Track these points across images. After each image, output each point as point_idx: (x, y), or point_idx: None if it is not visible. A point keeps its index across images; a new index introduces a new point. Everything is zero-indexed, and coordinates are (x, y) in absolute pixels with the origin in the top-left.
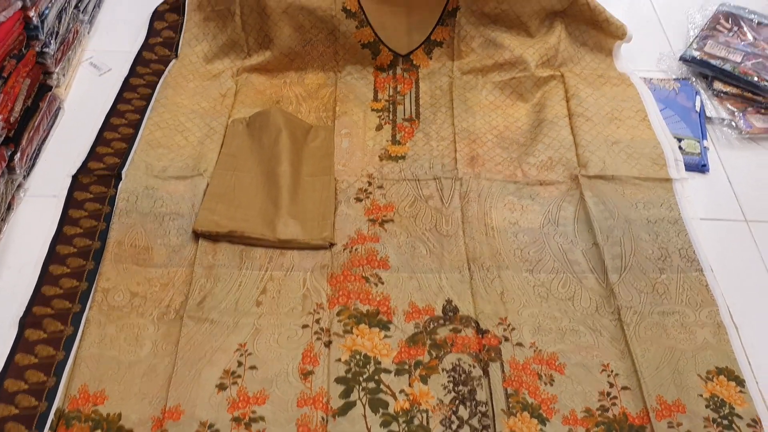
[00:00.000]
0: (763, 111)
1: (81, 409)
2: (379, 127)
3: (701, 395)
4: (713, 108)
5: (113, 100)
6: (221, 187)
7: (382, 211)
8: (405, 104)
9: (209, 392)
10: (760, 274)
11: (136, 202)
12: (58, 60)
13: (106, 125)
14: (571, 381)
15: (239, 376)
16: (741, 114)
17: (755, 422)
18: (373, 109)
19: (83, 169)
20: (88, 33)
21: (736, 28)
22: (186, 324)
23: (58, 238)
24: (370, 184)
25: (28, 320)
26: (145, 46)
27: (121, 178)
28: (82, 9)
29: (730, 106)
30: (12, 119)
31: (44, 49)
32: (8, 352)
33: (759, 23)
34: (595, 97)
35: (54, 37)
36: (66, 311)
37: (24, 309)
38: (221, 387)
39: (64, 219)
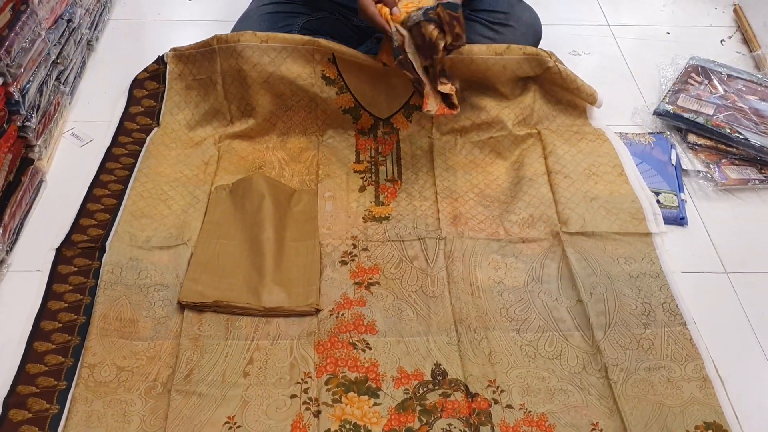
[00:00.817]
0: (737, 162)
1: None
2: (362, 189)
3: None
4: (689, 161)
5: (96, 171)
6: (205, 256)
7: (368, 274)
8: (387, 165)
9: None
10: (742, 325)
11: (121, 273)
12: (39, 133)
13: (89, 197)
14: None
15: None
16: (716, 166)
17: None
18: (355, 171)
19: (67, 241)
20: (69, 104)
21: (706, 82)
22: (174, 398)
23: (42, 313)
24: (354, 246)
25: (11, 400)
26: (126, 116)
27: (105, 250)
28: (63, 80)
29: (704, 159)
30: None
31: (26, 123)
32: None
33: (729, 76)
34: (572, 153)
35: (35, 110)
36: (52, 389)
37: (8, 389)
38: None
39: (48, 294)
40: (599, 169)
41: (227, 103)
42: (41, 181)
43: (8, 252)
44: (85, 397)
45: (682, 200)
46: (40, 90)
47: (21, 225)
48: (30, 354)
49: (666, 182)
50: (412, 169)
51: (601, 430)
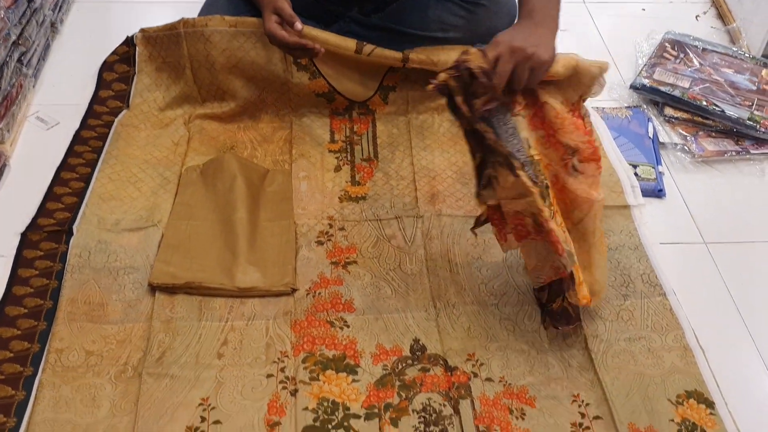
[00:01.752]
0: (713, 134)
1: None
2: (337, 168)
3: (673, 420)
4: (666, 134)
5: (64, 155)
6: (176, 238)
7: (345, 253)
8: (363, 144)
9: None
10: (722, 295)
11: (89, 257)
12: (1, 116)
13: (56, 180)
14: (543, 414)
15: None
16: (693, 138)
17: None
18: (330, 151)
19: (32, 226)
20: (33, 87)
21: (682, 55)
22: (145, 381)
23: (8, 299)
24: (331, 226)
25: None
26: (96, 99)
27: (72, 234)
28: (25, 63)
29: (681, 131)
30: None
31: None
32: None
33: (704, 49)
34: None
35: None
36: (17, 375)
37: None
38: None
39: (14, 279)
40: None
41: (197, 87)
42: (4, 165)
43: None
44: (52, 383)
45: (660, 172)
46: (0, 71)
47: None
48: None
49: (643, 155)
50: (389, 148)
51: (583, 401)
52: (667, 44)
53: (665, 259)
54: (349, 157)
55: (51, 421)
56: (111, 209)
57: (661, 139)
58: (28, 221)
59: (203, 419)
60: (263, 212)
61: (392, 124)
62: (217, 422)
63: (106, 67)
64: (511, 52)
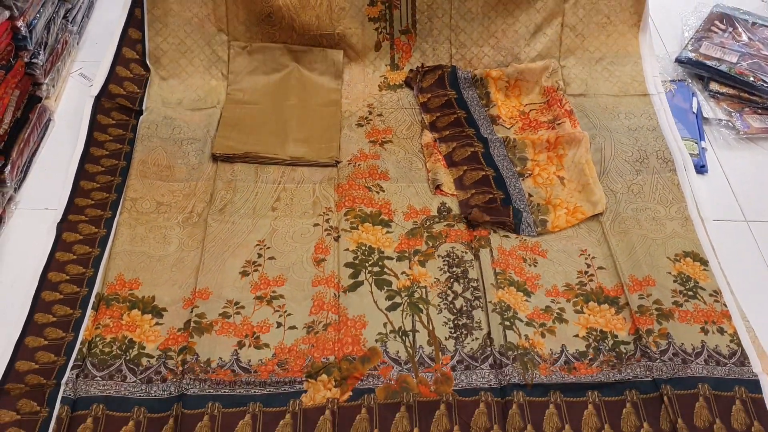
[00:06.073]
0: (760, 111)
1: (119, 292)
2: (377, 46)
3: (670, 273)
4: (710, 109)
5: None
6: (233, 118)
7: (382, 134)
8: (401, 8)
9: (234, 278)
10: (763, 273)
11: (156, 129)
12: (47, 71)
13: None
14: (553, 263)
15: (260, 265)
16: (738, 114)
17: (716, 293)
18: (370, 19)
19: (104, 92)
20: (78, 44)
21: (730, 29)
22: (210, 225)
23: (86, 157)
24: (370, 113)
25: (64, 225)
26: None
27: (141, 113)
28: (70, 19)
29: (726, 107)
30: (1, 131)
31: (33, 60)
32: (49, 249)
33: (753, 23)
34: None
35: (43, 47)
36: (98, 217)
37: (60, 215)
38: (244, 273)
39: (90, 140)
40: (618, 16)
41: None
42: (49, 119)
43: (16, 190)
44: (128, 223)
45: (703, 148)
46: (47, 27)
47: (29, 163)
48: (77, 191)
49: (687, 130)
50: (427, 13)
51: (590, 254)
52: (715, 17)
53: (706, 236)
54: (388, 30)
55: (129, 252)
56: (171, 89)
57: (705, 115)
58: (97, 91)
59: (260, 255)
60: (314, 98)
61: None
62: (271, 258)
63: None
64: None
